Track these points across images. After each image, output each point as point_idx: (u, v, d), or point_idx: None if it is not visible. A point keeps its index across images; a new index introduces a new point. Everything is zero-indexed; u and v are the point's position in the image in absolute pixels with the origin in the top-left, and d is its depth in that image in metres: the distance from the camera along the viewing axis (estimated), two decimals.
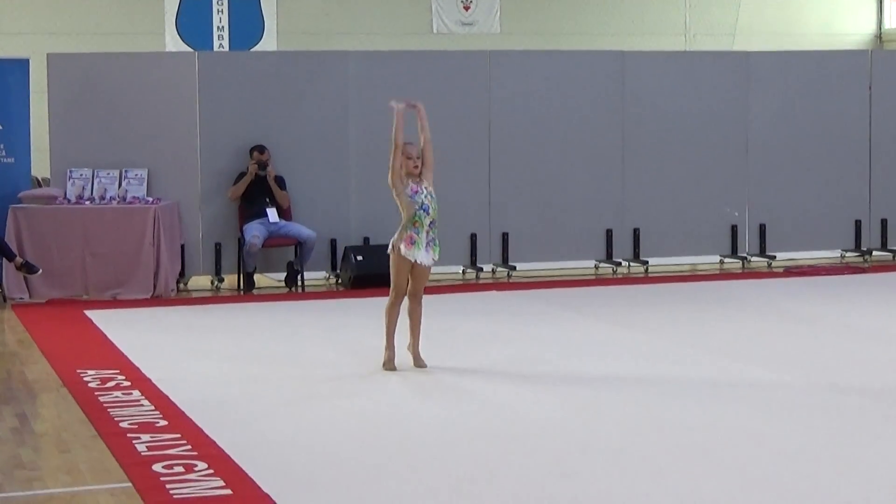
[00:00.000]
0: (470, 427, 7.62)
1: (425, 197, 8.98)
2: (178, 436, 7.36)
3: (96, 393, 8.58)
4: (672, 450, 6.99)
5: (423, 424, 7.69)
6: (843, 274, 14.43)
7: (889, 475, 6.48)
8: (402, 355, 9.21)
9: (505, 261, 14.56)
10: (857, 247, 15.45)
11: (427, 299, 12.90)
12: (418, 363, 9.17)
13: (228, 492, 6.30)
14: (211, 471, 6.63)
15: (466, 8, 21.30)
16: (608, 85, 14.87)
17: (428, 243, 8.97)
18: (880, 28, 23.71)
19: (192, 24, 20.21)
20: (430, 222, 8.97)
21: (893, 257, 15.46)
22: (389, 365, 9.07)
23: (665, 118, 14.96)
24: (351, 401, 8.34)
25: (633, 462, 6.76)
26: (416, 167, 9.02)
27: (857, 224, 15.44)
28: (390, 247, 9.09)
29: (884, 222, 15.51)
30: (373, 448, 7.14)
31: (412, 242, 8.94)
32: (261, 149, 13.72)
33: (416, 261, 8.98)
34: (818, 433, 7.32)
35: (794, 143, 15.29)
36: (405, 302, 9.20)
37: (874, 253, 15.47)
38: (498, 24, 21.60)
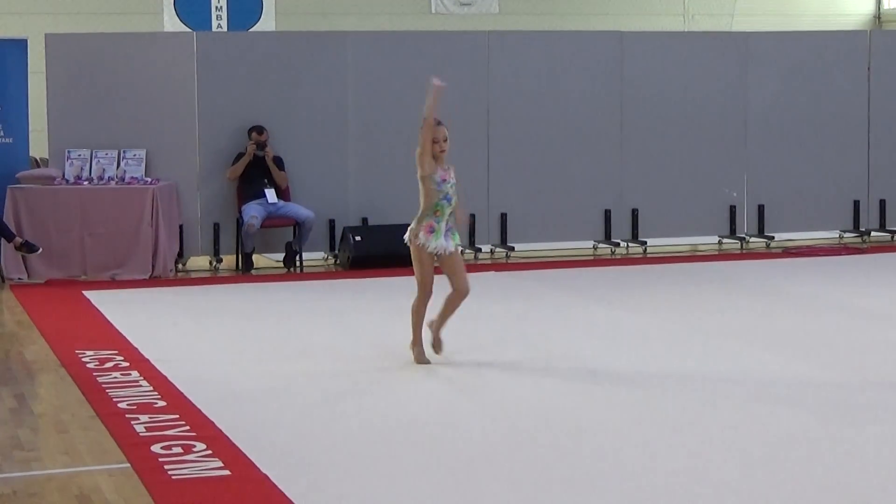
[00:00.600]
0: (469, 410, 7.62)
1: (450, 187, 8.54)
2: (177, 416, 7.37)
3: (95, 373, 8.59)
4: (671, 433, 7.00)
5: (423, 406, 7.69)
6: (842, 254, 14.43)
7: (884, 461, 6.49)
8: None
9: (503, 241, 14.56)
10: (856, 227, 15.45)
11: None
12: (436, 347, 8.76)
13: (227, 472, 6.31)
14: (210, 451, 6.64)
15: None
16: (607, 66, 14.85)
17: (446, 231, 8.56)
18: (879, 8, 23.66)
19: (191, 4, 20.16)
20: (450, 212, 8.59)
21: (892, 238, 15.45)
22: (421, 358, 8.67)
23: (664, 99, 14.95)
24: (350, 382, 8.35)
25: (631, 446, 6.77)
26: (443, 151, 8.49)
27: (856, 204, 15.43)
28: (407, 237, 8.60)
29: (882, 203, 15.50)
30: (371, 429, 7.15)
31: (431, 231, 8.50)
32: (259, 129, 13.71)
33: (433, 251, 8.50)
34: (816, 415, 7.33)
35: (793, 124, 15.28)
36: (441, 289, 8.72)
37: (872, 233, 15.47)
38: (496, 5, 21.54)
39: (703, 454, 6.56)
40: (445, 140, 8.53)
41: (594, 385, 8.15)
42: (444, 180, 8.51)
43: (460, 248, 8.73)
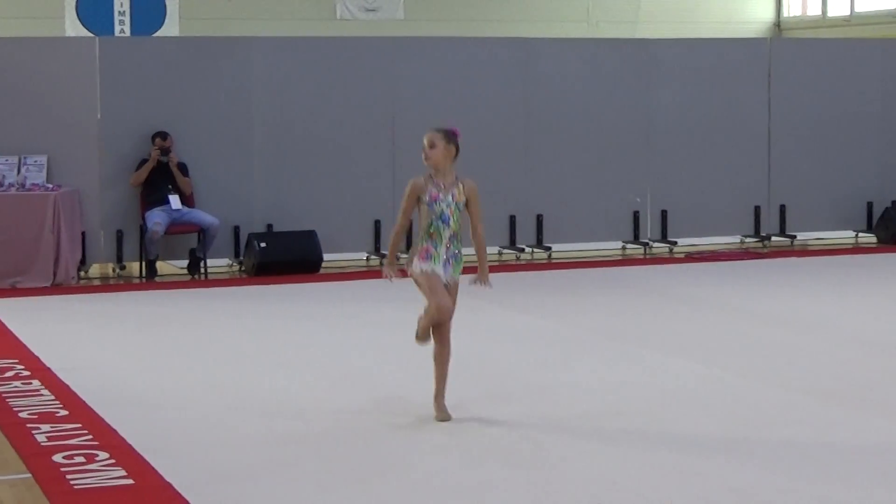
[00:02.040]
0: (371, 416, 7.61)
1: (447, 206, 7.63)
2: (79, 426, 7.30)
3: None
4: (575, 439, 7.05)
5: (327, 413, 7.67)
6: (743, 259, 14.62)
7: (784, 461, 6.60)
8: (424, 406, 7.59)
9: (408, 248, 14.54)
10: (757, 232, 15.66)
11: (332, 286, 12.97)
12: (442, 416, 7.38)
13: (130, 482, 6.27)
14: (112, 461, 6.58)
15: None
16: (512, 72, 14.93)
17: (447, 259, 7.63)
18: (779, 16, 24.07)
19: (93, 8, 19.98)
20: (451, 235, 7.66)
21: (791, 243, 15.69)
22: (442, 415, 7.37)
23: (568, 105, 15.05)
24: (255, 390, 8.31)
25: (541, 447, 6.82)
26: (427, 158, 7.80)
27: (757, 210, 15.65)
28: (406, 266, 7.58)
29: (782, 208, 15.73)
30: (276, 437, 7.13)
31: (428, 256, 7.54)
32: (163, 135, 13.60)
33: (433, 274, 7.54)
34: (717, 418, 7.42)
35: (695, 130, 15.46)
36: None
37: (773, 238, 15.69)
38: (402, 11, 21.61)
39: (609, 459, 6.62)
40: (431, 147, 7.81)
41: (500, 388, 8.19)
42: (436, 199, 7.61)
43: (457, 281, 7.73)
